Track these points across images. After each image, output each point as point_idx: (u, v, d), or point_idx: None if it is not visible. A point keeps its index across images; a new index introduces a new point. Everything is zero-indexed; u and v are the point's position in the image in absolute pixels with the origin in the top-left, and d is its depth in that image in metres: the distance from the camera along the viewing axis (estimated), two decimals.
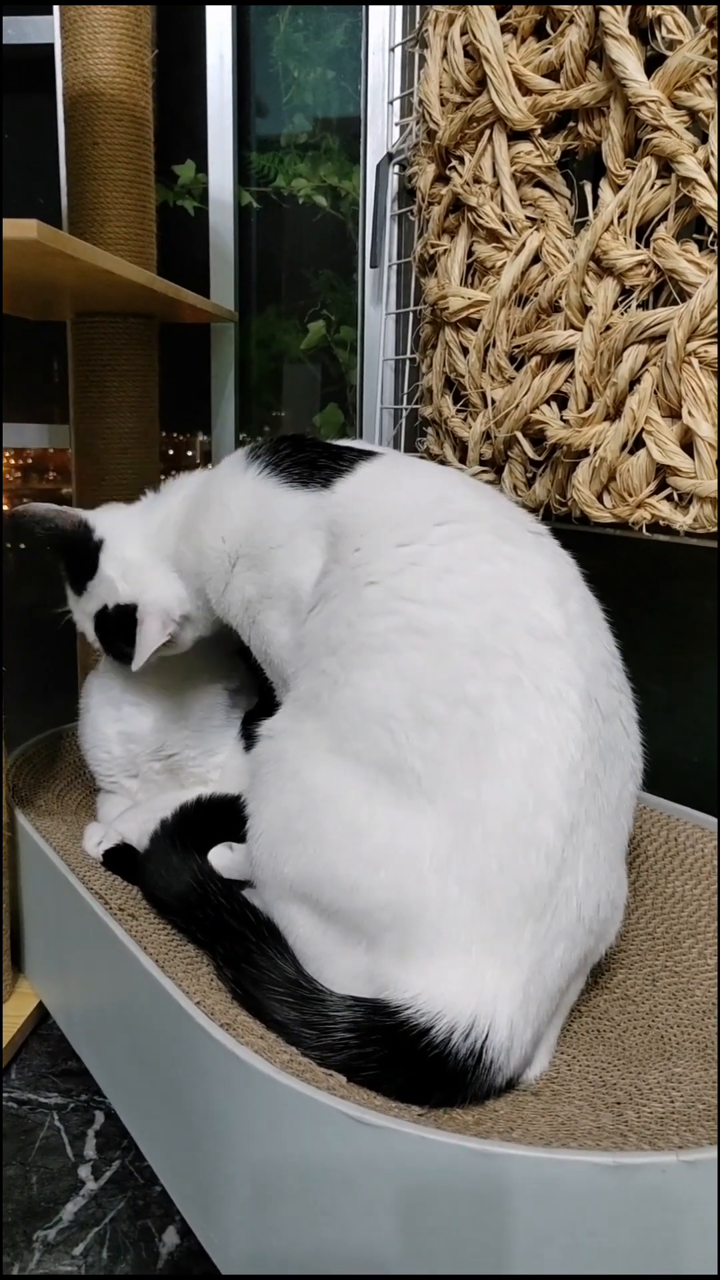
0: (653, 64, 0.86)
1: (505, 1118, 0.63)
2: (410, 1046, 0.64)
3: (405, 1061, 0.64)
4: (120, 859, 0.93)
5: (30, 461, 1.87)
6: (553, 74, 0.96)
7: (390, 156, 1.37)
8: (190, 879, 0.81)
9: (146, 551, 0.97)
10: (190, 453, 1.76)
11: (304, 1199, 0.63)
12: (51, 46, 1.48)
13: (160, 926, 0.83)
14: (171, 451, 1.75)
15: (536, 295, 1.00)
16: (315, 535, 0.82)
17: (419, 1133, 0.56)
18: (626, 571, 1.21)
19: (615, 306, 0.92)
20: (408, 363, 1.38)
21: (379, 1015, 0.66)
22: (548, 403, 1.01)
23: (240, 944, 0.74)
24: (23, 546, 1.83)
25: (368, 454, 0.87)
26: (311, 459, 0.86)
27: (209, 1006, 0.70)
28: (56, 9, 1.38)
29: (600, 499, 0.95)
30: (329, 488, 0.83)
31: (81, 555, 0.99)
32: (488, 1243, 0.57)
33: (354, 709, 0.71)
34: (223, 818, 0.88)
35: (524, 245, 1.01)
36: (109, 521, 1.01)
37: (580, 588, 0.79)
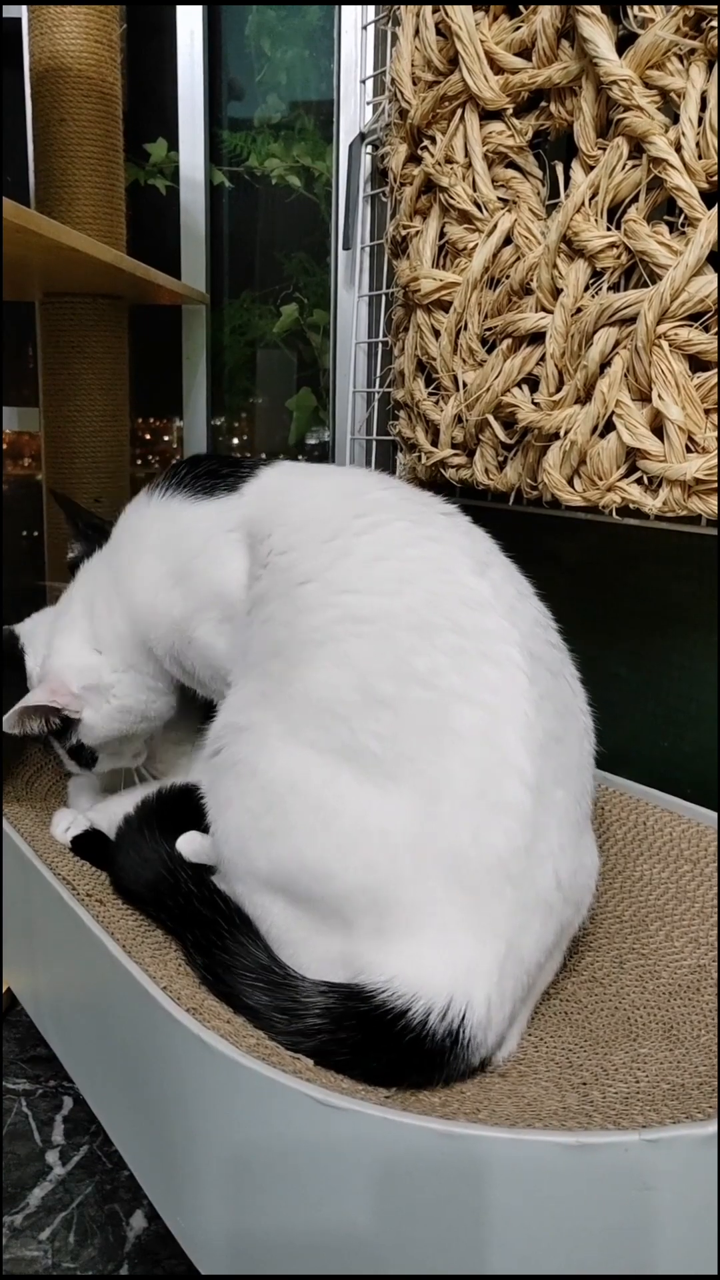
0: (625, 43, 0.86)
1: (472, 1099, 0.63)
2: (386, 1030, 0.63)
3: (381, 1045, 0.64)
4: (89, 845, 0.92)
5: (5, 447, 1.85)
6: (525, 52, 0.95)
7: (363, 136, 1.36)
8: (160, 867, 0.81)
9: (60, 634, 0.96)
10: (167, 438, 1.75)
11: (271, 1182, 0.63)
12: (18, 21, 1.45)
13: (128, 912, 0.82)
14: (148, 437, 1.74)
15: (508, 277, 0.99)
16: (231, 537, 0.83)
17: (384, 1115, 0.56)
18: (597, 556, 1.21)
19: (586, 289, 0.92)
20: (380, 346, 1.38)
21: (354, 1000, 0.65)
22: (519, 386, 1.00)
23: (211, 931, 0.73)
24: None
25: (266, 460, 0.90)
26: (212, 470, 0.89)
27: (175, 991, 0.69)
28: None
29: (571, 483, 0.95)
30: (236, 491, 0.86)
31: (18, 669, 0.98)
32: (456, 1223, 0.57)
33: (304, 702, 0.71)
34: (188, 804, 0.87)
35: (495, 227, 1.00)
36: (28, 626, 1.01)
37: (499, 557, 0.81)
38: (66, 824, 0.96)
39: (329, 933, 0.69)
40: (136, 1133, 0.78)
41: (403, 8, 1.08)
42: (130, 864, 0.83)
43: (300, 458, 1.71)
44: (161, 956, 0.75)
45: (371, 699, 0.68)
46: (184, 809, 0.87)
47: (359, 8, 1.39)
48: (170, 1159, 0.71)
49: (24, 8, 1.35)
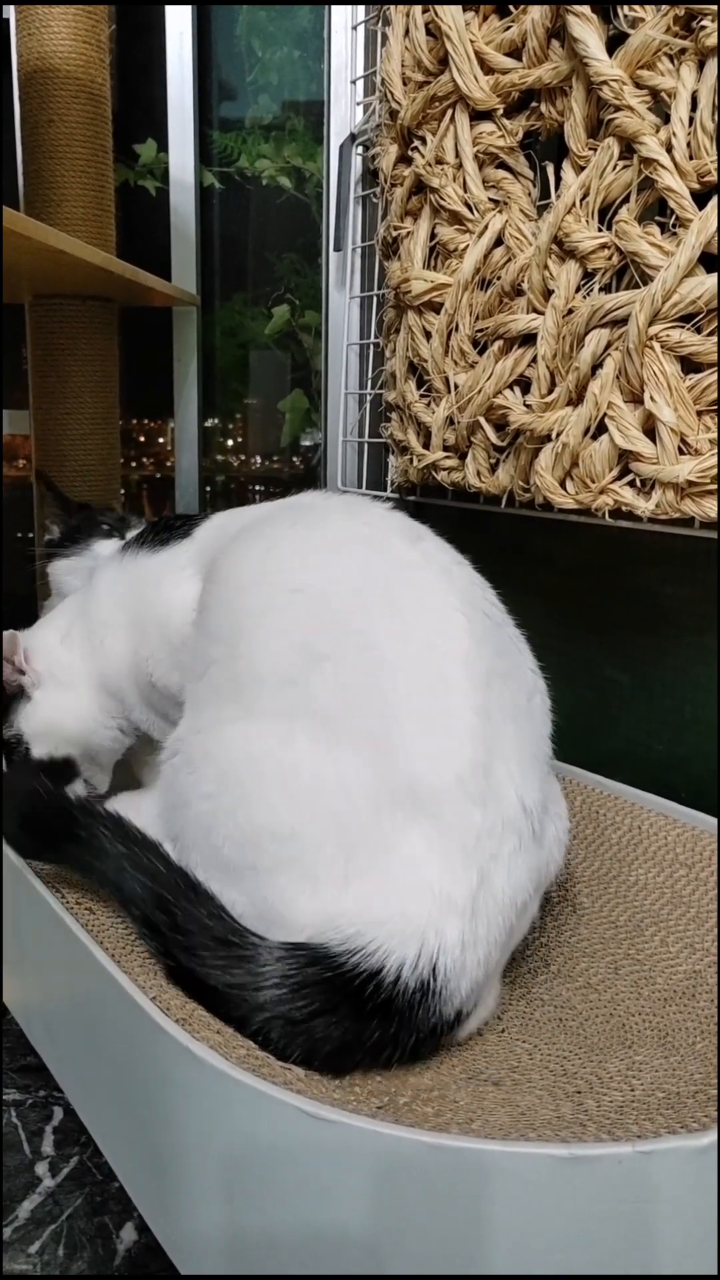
0: (615, 43, 0.85)
1: (465, 1108, 0.63)
2: (349, 977, 0.64)
3: (349, 998, 0.64)
4: None
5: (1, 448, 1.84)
6: (515, 52, 0.95)
7: (354, 137, 1.36)
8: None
9: (45, 624, 1.01)
10: (161, 439, 1.74)
11: (260, 1195, 0.62)
12: (5, 22, 1.44)
13: (117, 921, 0.81)
14: (142, 439, 1.73)
15: (499, 278, 0.99)
16: (183, 574, 0.88)
17: (375, 1127, 0.56)
18: (590, 559, 1.20)
19: (577, 290, 0.91)
20: (372, 347, 1.37)
21: (320, 951, 0.65)
22: (511, 387, 1.00)
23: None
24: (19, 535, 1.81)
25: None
26: (167, 524, 0.95)
27: (165, 1002, 0.68)
28: None
29: (563, 485, 0.95)
30: (189, 536, 0.91)
31: None
32: (448, 1236, 0.56)
33: (251, 677, 0.72)
34: None
35: (486, 227, 1.00)
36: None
37: (433, 536, 0.82)
38: None
39: (300, 896, 0.68)
40: (126, 1144, 0.77)
41: (392, 8, 1.08)
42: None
43: (295, 459, 1.70)
44: (151, 966, 0.74)
45: (313, 657, 0.70)
46: None
47: (349, 8, 1.38)
48: (160, 1170, 0.71)
49: (10, 9, 1.34)
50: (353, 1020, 0.64)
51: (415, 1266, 0.58)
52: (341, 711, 0.68)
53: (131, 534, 1.09)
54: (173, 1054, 0.64)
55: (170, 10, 1.48)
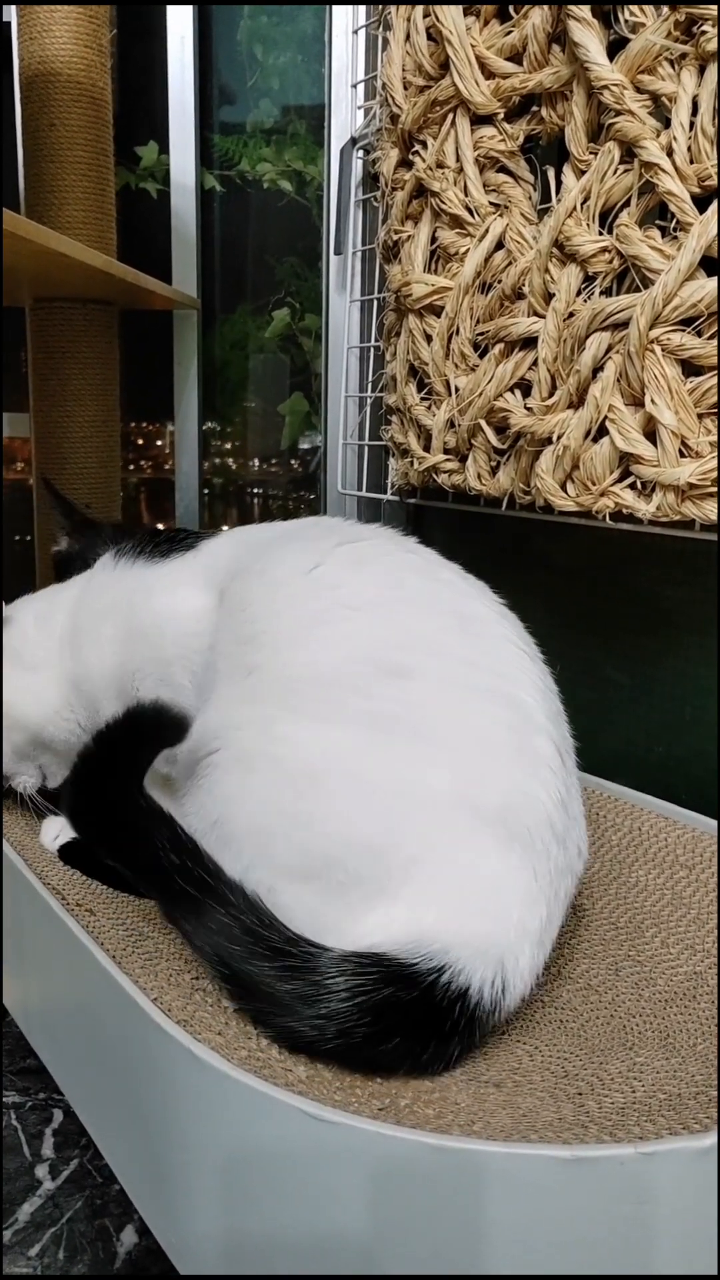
0: (616, 48, 0.85)
1: (466, 1110, 0.63)
2: (428, 995, 0.63)
3: (427, 1013, 0.63)
4: (77, 853, 0.91)
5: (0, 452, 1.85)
6: (516, 57, 0.95)
7: (354, 141, 1.36)
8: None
9: (31, 600, 1.02)
10: (160, 442, 1.74)
11: (262, 1196, 0.62)
12: (7, 26, 1.45)
13: (118, 922, 0.81)
14: (140, 442, 1.73)
15: (500, 282, 0.99)
16: (189, 584, 0.86)
17: (377, 1129, 0.56)
18: (590, 561, 1.21)
19: (578, 293, 0.92)
20: (372, 350, 1.37)
21: (393, 968, 0.64)
22: (511, 390, 1.00)
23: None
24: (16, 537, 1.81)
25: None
26: (169, 537, 0.94)
27: (166, 1003, 0.68)
28: None
29: (564, 488, 0.95)
30: (195, 549, 0.90)
31: None
32: (450, 1238, 0.56)
33: (307, 682, 0.71)
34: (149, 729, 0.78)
35: (487, 231, 1.00)
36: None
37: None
38: (55, 832, 0.95)
39: (372, 909, 0.67)
40: (127, 1146, 0.77)
41: (393, 12, 1.08)
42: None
43: (293, 463, 1.70)
44: (152, 967, 0.74)
45: (383, 668, 0.70)
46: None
47: (350, 10, 1.38)
48: (161, 1173, 0.71)
49: (13, 11, 1.34)
50: (427, 1033, 0.64)
51: (416, 1268, 0.58)
52: (420, 726, 0.68)
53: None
54: (174, 1055, 0.64)
55: (171, 13, 1.49)
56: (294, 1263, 0.61)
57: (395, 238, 1.13)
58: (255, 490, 1.75)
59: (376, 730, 0.68)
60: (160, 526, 1.12)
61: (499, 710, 0.70)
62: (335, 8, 1.39)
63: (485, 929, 0.66)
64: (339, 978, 0.63)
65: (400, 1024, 0.63)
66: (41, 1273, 0.75)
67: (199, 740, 0.76)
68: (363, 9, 1.36)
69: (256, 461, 1.73)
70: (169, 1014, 0.67)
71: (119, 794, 0.71)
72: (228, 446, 1.73)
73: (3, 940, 1.00)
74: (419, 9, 1.04)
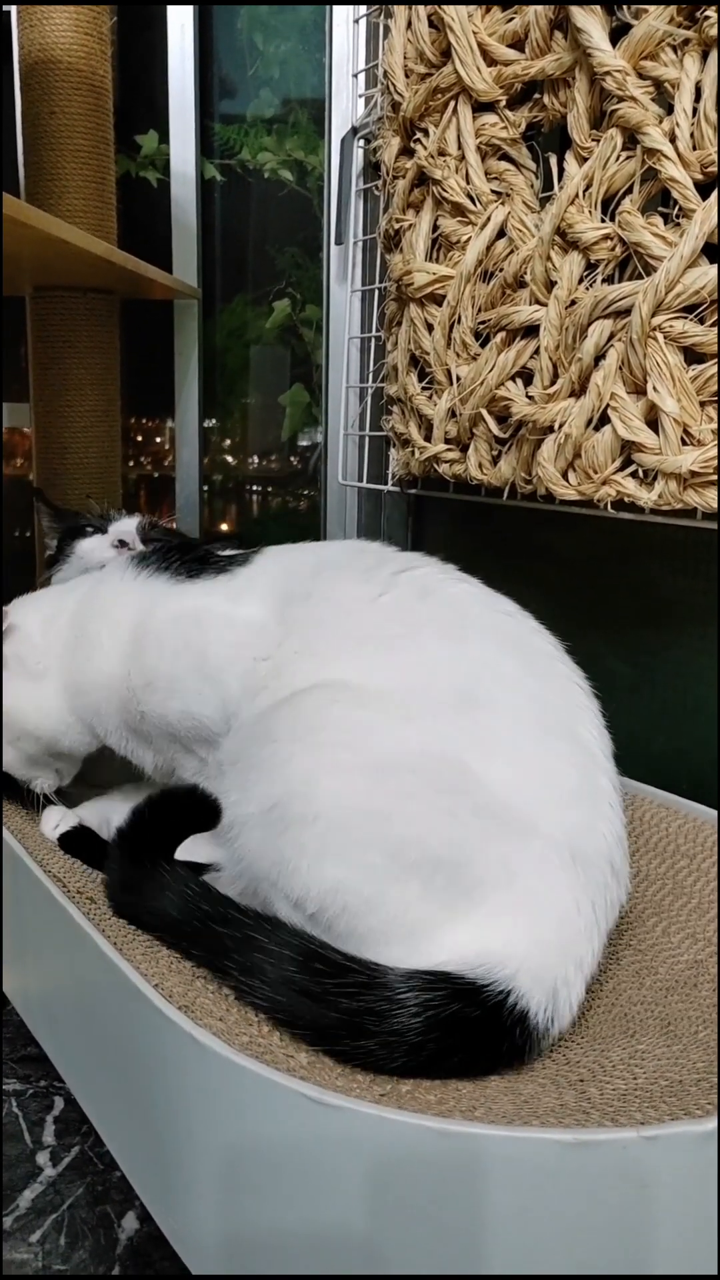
0: (618, 34, 0.85)
1: (468, 1096, 0.63)
2: (493, 1018, 0.64)
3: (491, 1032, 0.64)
4: (77, 842, 0.91)
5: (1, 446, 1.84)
6: (518, 44, 0.95)
7: (355, 130, 1.35)
8: (180, 897, 0.72)
9: (41, 597, 1.01)
10: (159, 438, 1.74)
11: (264, 1181, 0.62)
12: (7, 14, 1.44)
13: None
14: (139, 438, 1.72)
15: (502, 270, 0.99)
16: (240, 599, 0.86)
17: (379, 1113, 0.56)
18: (591, 550, 1.20)
19: (580, 281, 0.91)
20: (373, 341, 1.37)
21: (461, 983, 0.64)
22: (513, 379, 1.00)
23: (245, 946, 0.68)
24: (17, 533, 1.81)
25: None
26: (201, 556, 0.92)
27: (167, 989, 0.68)
28: None
29: (565, 476, 0.95)
30: (230, 571, 0.89)
31: None
32: (453, 1222, 0.56)
33: (414, 689, 0.73)
34: (183, 810, 0.79)
35: (489, 219, 1.00)
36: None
37: None
38: (55, 821, 0.95)
39: (444, 923, 0.68)
40: (128, 1132, 0.77)
41: None
42: (145, 895, 0.75)
43: (292, 459, 1.70)
44: (153, 954, 0.74)
45: (457, 697, 0.73)
46: (183, 814, 0.79)
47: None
48: (162, 1159, 0.71)
49: None
50: (486, 1053, 0.64)
51: (419, 1253, 0.58)
52: (501, 758, 0.70)
53: (121, 525, 1.08)
54: (176, 1041, 0.64)
55: (171, 4, 1.48)
56: (296, 1247, 0.61)
57: (396, 226, 1.13)
58: (254, 487, 1.74)
59: (449, 746, 0.70)
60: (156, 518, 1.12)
61: (566, 746, 0.72)
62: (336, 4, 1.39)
63: (549, 959, 0.67)
64: (409, 993, 0.63)
65: (464, 1042, 0.63)
66: (43, 1259, 0.75)
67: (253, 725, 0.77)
68: (363, 5, 1.36)
69: (257, 455, 1.72)
70: (170, 999, 0.67)
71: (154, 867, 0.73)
72: (227, 443, 1.72)
73: (3, 928, 1.00)
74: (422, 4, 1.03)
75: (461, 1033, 0.63)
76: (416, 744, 0.71)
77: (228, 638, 0.83)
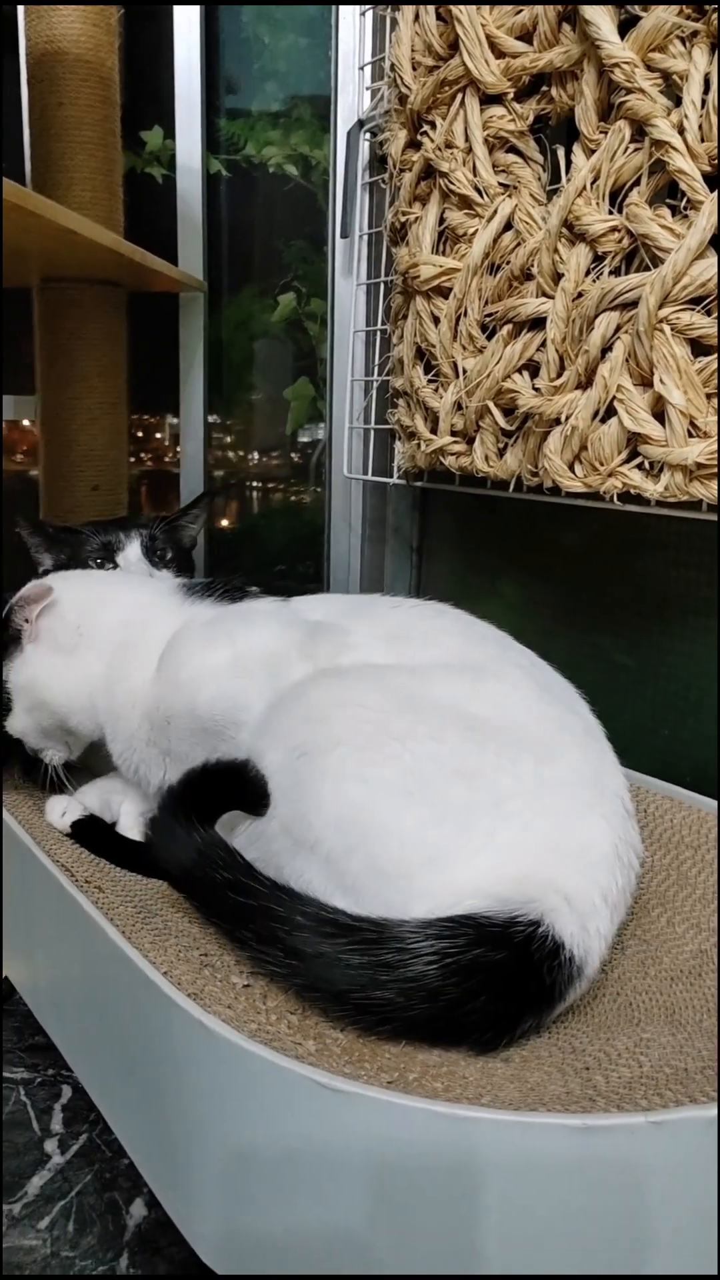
0: (626, 26, 0.85)
1: (474, 1084, 0.63)
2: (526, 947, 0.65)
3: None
4: (88, 831, 0.92)
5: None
6: (526, 36, 0.95)
7: (361, 123, 1.35)
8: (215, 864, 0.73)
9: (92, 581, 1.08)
10: (160, 434, 1.74)
11: (273, 1167, 0.62)
12: (13, 6, 1.44)
13: (127, 899, 0.82)
14: (140, 434, 1.73)
15: (508, 263, 0.99)
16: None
17: (389, 1098, 0.56)
18: (597, 543, 1.21)
19: (587, 273, 0.91)
20: (378, 334, 1.37)
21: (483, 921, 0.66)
22: (519, 371, 1.00)
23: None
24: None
25: None
26: (234, 588, 0.98)
27: (176, 977, 0.69)
28: None
29: (572, 468, 0.95)
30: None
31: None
32: (460, 1207, 0.57)
33: (457, 716, 0.76)
34: (234, 783, 0.79)
35: (496, 212, 1.00)
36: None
37: None
38: (62, 809, 0.95)
39: (472, 845, 0.70)
40: (136, 1120, 0.78)
41: None
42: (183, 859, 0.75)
43: (293, 456, 1.70)
44: (161, 943, 0.75)
45: (480, 671, 0.80)
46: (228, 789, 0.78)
47: None
48: (171, 1145, 0.71)
49: None
50: (517, 992, 0.66)
51: (427, 1239, 0.58)
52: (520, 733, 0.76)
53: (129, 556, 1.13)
54: (186, 1028, 0.64)
55: None
56: (305, 1233, 0.61)
57: (403, 219, 1.13)
58: (255, 484, 1.74)
59: (464, 700, 0.77)
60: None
61: (570, 718, 0.81)
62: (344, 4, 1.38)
63: (576, 880, 0.69)
64: (424, 942, 0.64)
65: (489, 984, 0.64)
66: (51, 1245, 0.75)
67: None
68: (370, 6, 1.36)
69: (261, 448, 1.72)
70: (179, 987, 0.67)
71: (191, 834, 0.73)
72: (228, 439, 1.72)
73: (11, 920, 1.01)
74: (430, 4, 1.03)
75: (485, 974, 0.64)
76: (435, 692, 0.76)
77: (264, 683, 0.84)
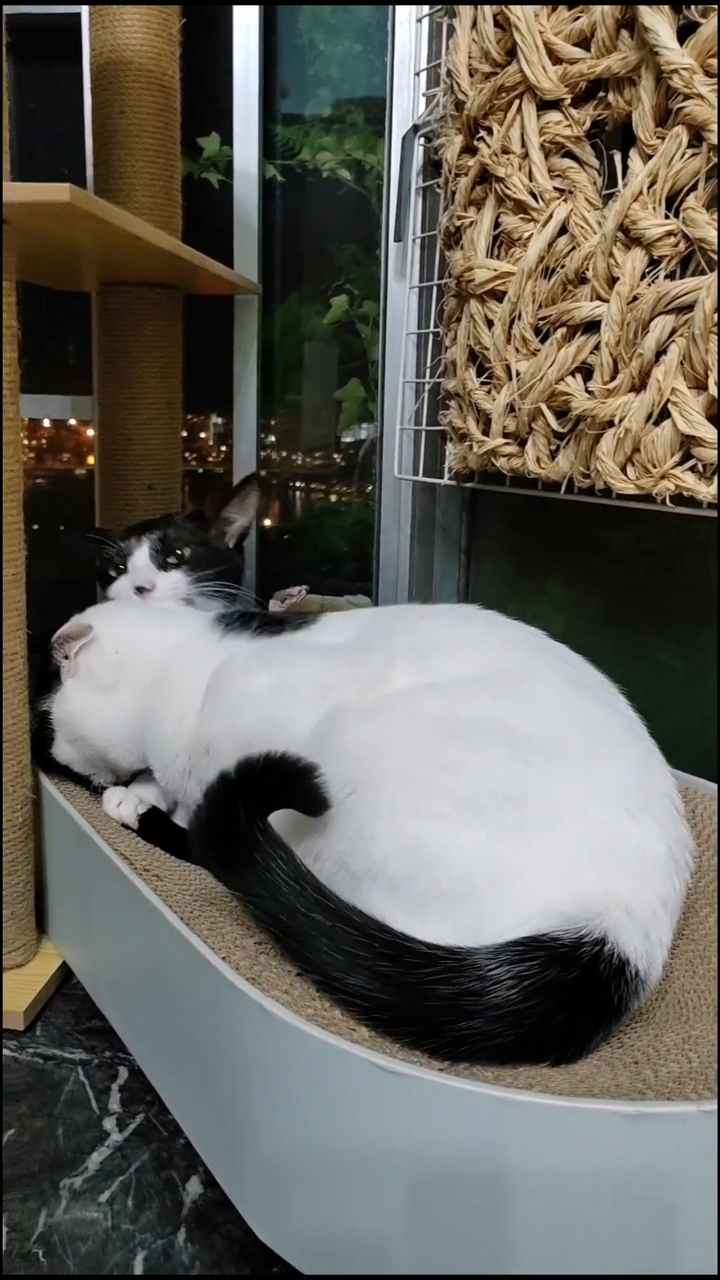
0: (685, 32, 0.86)
1: (524, 1075, 0.64)
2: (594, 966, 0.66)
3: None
4: (152, 824, 0.95)
5: (44, 443, 1.87)
6: (583, 43, 0.96)
7: (416, 129, 1.37)
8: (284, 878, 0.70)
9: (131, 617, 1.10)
10: (204, 434, 1.77)
11: (331, 1149, 0.64)
12: (76, 16, 1.48)
13: (184, 887, 0.84)
14: (184, 434, 1.75)
15: (563, 267, 1.00)
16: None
17: (446, 1082, 0.58)
18: (647, 545, 1.21)
19: (642, 277, 0.92)
20: (430, 336, 1.38)
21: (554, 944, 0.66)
22: (573, 374, 1.01)
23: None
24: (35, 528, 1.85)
25: None
26: (270, 619, 1.01)
27: (234, 962, 0.71)
28: None
29: (624, 471, 0.96)
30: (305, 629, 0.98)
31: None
32: (515, 1190, 0.58)
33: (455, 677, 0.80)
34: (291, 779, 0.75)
35: (551, 216, 1.01)
36: None
37: None
38: (118, 799, 0.98)
39: (531, 861, 0.70)
40: (195, 1102, 0.80)
41: None
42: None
43: (335, 456, 1.72)
44: (218, 930, 0.77)
45: (515, 682, 0.80)
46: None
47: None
48: (229, 1126, 0.73)
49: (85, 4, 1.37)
50: (588, 1008, 0.66)
51: (479, 1222, 0.59)
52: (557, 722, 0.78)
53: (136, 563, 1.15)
54: (245, 1011, 0.66)
55: (237, 6, 1.50)
56: (363, 1211, 0.63)
57: (458, 223, 1.14)
58: (298, 483, 1.76)
59: (505, 715, 0.77)
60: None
61: (614, 717, 0.81)
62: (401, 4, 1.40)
63: (637, 890, 0.69)
64: (500, 967, 0.64)
65: (564, 1002, 0.65)
66: (111, 1218, 0.78)
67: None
68: (427, 4, 1.37)
69: (309, 448, 1.74)
70: (238, 971, 0.69)
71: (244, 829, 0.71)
72: (273, 439, 1.74)
73: (69, 905, 1.04)
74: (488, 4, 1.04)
75: (562, 994, 0.64)
76: (474, 712, 0.76)
77: (307, 709, 0.84)
